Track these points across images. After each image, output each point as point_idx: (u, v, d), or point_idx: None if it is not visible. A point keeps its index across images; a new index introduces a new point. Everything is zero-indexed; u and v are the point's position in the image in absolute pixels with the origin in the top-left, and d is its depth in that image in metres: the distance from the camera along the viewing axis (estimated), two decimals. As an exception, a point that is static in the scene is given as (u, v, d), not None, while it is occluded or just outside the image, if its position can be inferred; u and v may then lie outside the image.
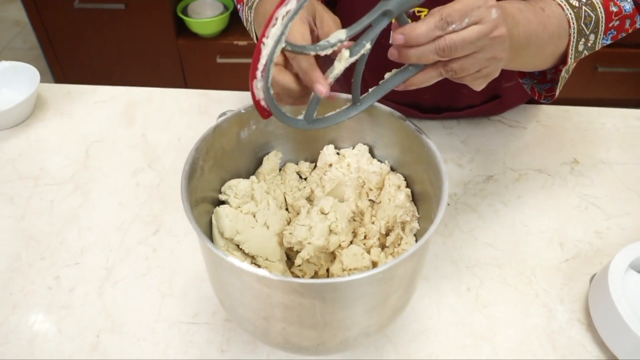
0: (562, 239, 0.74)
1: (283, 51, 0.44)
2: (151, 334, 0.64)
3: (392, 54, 0.49)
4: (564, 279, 0.70)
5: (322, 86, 0.46)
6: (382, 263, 0.60)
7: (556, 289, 0.69)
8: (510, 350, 0.63)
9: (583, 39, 0.64)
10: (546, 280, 0.70)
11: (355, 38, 0.47)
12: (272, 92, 0.46)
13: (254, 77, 0.44)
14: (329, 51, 0.46)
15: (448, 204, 0.78)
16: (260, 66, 0.43)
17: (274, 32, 0.42)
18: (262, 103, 0.46)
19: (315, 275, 0.61)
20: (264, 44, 0.42)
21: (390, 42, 0.47)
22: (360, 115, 0.59)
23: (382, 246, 0.62)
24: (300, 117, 0.50)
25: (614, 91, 2.04)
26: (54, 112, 0.94)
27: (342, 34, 0.46)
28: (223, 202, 0.60)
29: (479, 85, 0.54)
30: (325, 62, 0.49)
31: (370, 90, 0.53)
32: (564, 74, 0.69)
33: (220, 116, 0.58)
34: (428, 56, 0.48)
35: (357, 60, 0.48)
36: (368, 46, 0.48)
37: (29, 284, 0.69)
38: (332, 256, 0.61)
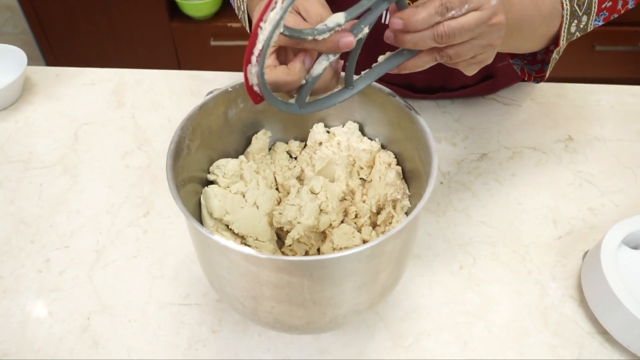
0: (556, 216, 0.74)
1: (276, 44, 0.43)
2: (142, 316, 0.64)
3: (388, 37, 0.48)
4: (557, 256, 0.69)
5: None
6: (373, 241, 0.59)
7: (549, 266, 0.68)
8: (502, 328, 0.63)
9: (575, 21, 0.64)
10: (539, 257, 0.69)
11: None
12: (265, 77, 0.44)
13: (249, 62, 0.43)
14: (326, 35, 0.45)
15: (441, 183, 0.78)
16: (256, 51, 0.42)
17: (272, 16, 0.40)
18: (255, 88, 0.45)
19: (306, 255, 0.61)
20: (261, 28, 0.41)
21: (383, 22, 0.46)
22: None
23: (374, 225, 0.62)
24: (292, 100, 0.49)
25: (612, 70, 2.02)
26: (42, 95, 0.93)
27: (340, 18, 0.45)
28: (212, 182, 0.60)
29: (471, 71, 0.53)
30: None
31: (362, 73, 0.51)
32: (555, 55, 0.68)
33: (207, 95, 0.57)
34: (425, 42, 0.47)
35: None
36: (366, 30, 0.46)
37: (19, 268, 0.68)
38: (323, 236, 0.61)
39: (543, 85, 0.93)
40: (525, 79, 0.73)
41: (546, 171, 0.80)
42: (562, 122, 0.87)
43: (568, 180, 0.78)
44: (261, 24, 0.41)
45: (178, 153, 0.52)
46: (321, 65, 0.47)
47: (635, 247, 0.65)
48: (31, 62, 0.92)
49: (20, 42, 2.45)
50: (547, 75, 0.70)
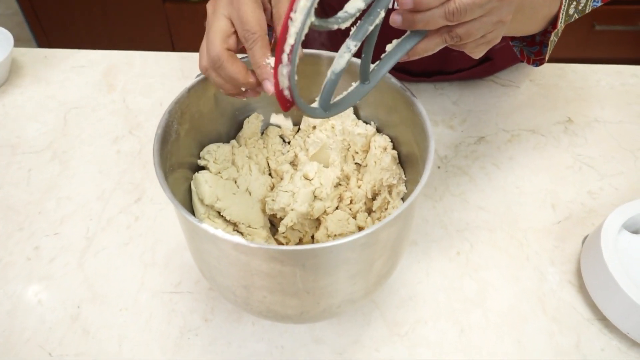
0: (555, 200, 0.72)
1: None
2: (133, 304, 0.62)
3: (395, 20, 0.46)
4: (556, 241, 0.68)
5: (271, 85, 0.43)
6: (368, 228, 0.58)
7: (548, 251, 0.67)
8: (500, 314, 0.62)
9: (574, 2, 0.62)
10: (538, 242, 0.68)
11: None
12: (296, 78, 0.40)
13: (279, 61, 0.38)
14: (349, 23, 0.41)
15: (438, 167, 0.76)
16: (287, 47, 0.37)
17: (303, 3, 0.36)
18: (286, 93, 0.41)
19: (300, 242, 0.59)
20: (291, 19, 0.37)
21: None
22: (343, 75, 0.56)
23: (369, 211, 0.60)
24: (315, 104, 0.45)
25: (612, 50, 1.99)
26: (30, 78, 0.90)
27: (360, 3, 0.41)
28: (202, 168, 0.58)
29: (479, 53, 0.51)
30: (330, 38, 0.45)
31: (374, 66, 0.48)
32: (554, 38, 0.66)
33: (197, 77, 0.55)
34: (436, 21, 0.45)
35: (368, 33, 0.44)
36: (382, 14, 0.43)
37: (7, 255, 0.67)
38: (317, 222, 0.60)
39: (542, 65, 0.91)
40: (525, 61, 0.71)
41: (545, 154, 0.78)
42: (562, 104, 0.85)
43: (567, 163, 0.77)
44: (291, 14, 0.37)
45: (166, 138, 0.50)
46: (344, 59, 0.43)
47: (635, 232, 0.64)
48: (23, 44, 0.89)
49: (12, 23, 2.41)
50: (547, 58, 0.68)
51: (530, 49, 0.70)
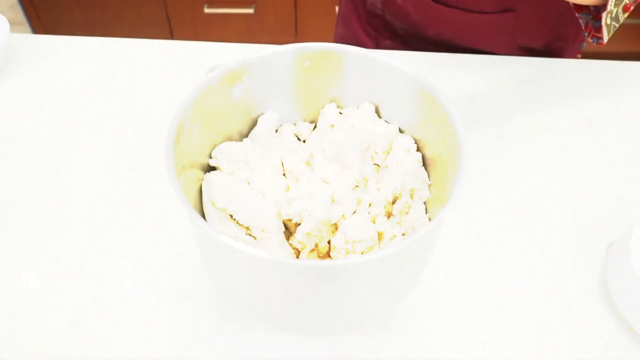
0: (577, 204, 0.70)
1: None
2: (138, 310, 0.59)
3: None
4: (579, 248, 0.65)
5: None
6: (388, 233, 0.55)
7: (571, 258, 0.65)
8: (521, 324, 0.59)
9: None
10: (560, 248, 0.65)
11: None
12: None
13: None
14: None
15: (456, 167, 0.73)
16: None
17: None
18: None
19: (316, 247, 0.56)
20: None
21: None
22: (366, 71, 0.53)
23: (388, 214, 0.57)
24: None
25: (621, 44, 1.96)
26: (25, 66, 0.86)
27: None
28: (214, 168, 0.54)
29: None
30: None
31: None
32: (610, 22, 0.64)
33: (209, 71, 0.51)
34: None
35: None
36: None
37: (2, 256, 0.63)
38: (334, 226, 0.56)
39: (562, 60, 0.88)
40: (587, 34, 0.69)
41: (566, 154, 0.75)
42: (584, 102, 0.82)
43: (589, 165, 0.74)
44: None
45: (178, 138, 0.46)
46: None
47: (664, 240, 0.61)
48: (16, 28, 0.85)
49: (6, 6, 2.34)
50: (606, 40, 0.67)
51: (595, 23, 0.68)
